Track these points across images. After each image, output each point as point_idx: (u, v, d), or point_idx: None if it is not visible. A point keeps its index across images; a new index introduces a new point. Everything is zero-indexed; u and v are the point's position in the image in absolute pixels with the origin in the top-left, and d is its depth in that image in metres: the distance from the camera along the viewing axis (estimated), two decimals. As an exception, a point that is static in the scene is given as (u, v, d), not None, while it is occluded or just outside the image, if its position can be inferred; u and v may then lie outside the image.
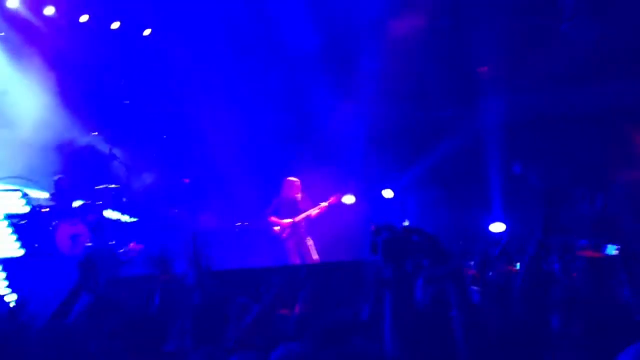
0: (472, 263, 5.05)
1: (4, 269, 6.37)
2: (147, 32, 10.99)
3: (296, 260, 8.59)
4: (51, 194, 8.90)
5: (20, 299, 5.88)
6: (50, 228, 8.26)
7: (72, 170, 9.69)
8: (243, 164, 10.41)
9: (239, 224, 9.96)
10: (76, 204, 8.92)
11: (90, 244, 6.84)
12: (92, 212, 8.53)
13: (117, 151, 10.04)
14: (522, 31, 9.06)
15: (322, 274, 7.36)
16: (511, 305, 3.01)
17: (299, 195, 8.93)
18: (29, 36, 10.33)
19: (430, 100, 10.13)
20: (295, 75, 10.36)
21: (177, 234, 9.19)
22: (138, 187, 10.10)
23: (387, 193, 10.11)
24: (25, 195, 6.67)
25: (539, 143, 9.23)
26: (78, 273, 3.97)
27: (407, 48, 9.68)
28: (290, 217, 8.80)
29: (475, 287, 3.94)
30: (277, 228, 8.83)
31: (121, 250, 7.50)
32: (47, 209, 8.36)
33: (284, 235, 8.78)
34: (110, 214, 9.22)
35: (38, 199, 8.41)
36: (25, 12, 10.42)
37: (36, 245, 7.44)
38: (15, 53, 10.15)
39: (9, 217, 6.50)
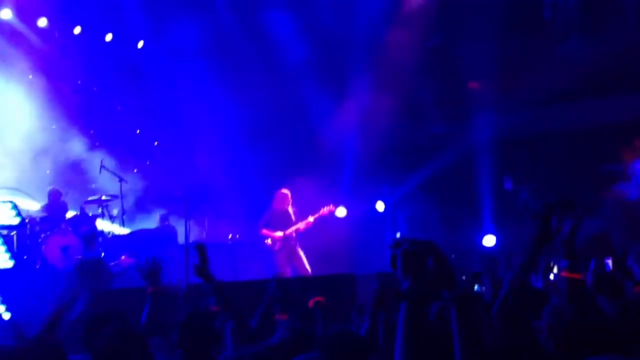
0: (483, 288, 5.04)
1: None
2: (140, 44, 11.07)
3: (288, 273, 8.57)
4: (43, 205, 8.87)
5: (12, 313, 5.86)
6: (40, 240, 8.23)
7: (65, 181, 9.67)
8: (234, 176, 10.43)
9: (231, 236, 9.94)
10: (69, 215, 8.90)
11: (80, 256, 6.80)
12: (84, 223, 8.50)
13: (108, 162, 10.04)
14: (514, 48, 9.18)
15: (314, 287, 7.35)
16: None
17: (290, 208, 8.94)
18: (19, 46, 10.35)
19: (423, 116, 10.21)
20: (288, 90, 10.42)
21: (169, 246, 9.17)
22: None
23: (379, 206, 10.15)
24: (15, 206, 6.63)
25: (531, 159, 9.31)
26: (69, 284, 3.95)
27: (399, 64, 9.78)
28: (281, 230, 8.80)
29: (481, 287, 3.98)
30: (268, 241, 8.82)
31: (112, 263, 7.47)
32: (38, 220, 8.34)
33: (276, 247, 8.78)
34: (102, 225, 9.19)
35: (29, 210, 8.38)
36: (17, 24, 10.46)
37: (25, 257, 7.40)
38: (3, 61, 10.14)
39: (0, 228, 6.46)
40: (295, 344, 3.56)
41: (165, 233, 9.72)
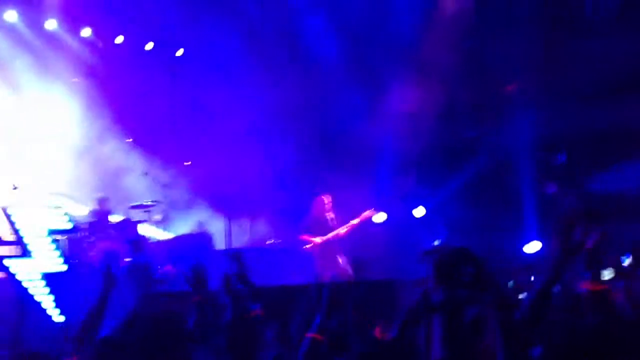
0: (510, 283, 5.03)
1: (47, 284, 6.56)
2: (179, 52, 11.30)
3: (327, 278, 8.61)
4: (91, 211, 9.14)
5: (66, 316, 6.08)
6: (87, 244, 8.49)
7: (109, 186, 9.93)
8: (272, 180, 10.54)
9: (270, 241, 10.05)
10: (113, 219, 9.14)
11: (129, 261, 7.01)
12: (129, 228, 8.72)
13: (150, 167, 10.28)
14: (553, 47, 9.04)
15: (355, 293, 7.40)
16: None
17: (330, 213, 8.98)
18: (64, 55, 10.66)
19: (461, 118, 10.14)
20: (325, 94, 10.49)
21: (206, 252, 9.33)
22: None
23: (419, 211, 10.10)
24: (67, 212, 6.88)
25: (573, 161, 9.15)
26: (118, 287, 4.07)
27: (437, 66, 9.75)
28: (321, 235, 8.86)
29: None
30: (308, 246, 8.90)
31: (157, 272, 7.65)
32: (86, 225, 8.60)
33: (315, 253, 8.84)
34: (145, 230, 9.41)
35: (77, 215, 8.62)
36: (62, 34, 10.79)
37: (76, 261, 7.64)
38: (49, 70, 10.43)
39: (52, 233, 6.70)
40: (328, 345, 3.62)
41: (203, 238, 9.89)
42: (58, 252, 6.62)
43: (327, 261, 8.73)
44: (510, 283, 4.85)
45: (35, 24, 10.50)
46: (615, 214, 6.69)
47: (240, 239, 10.25)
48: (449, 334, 2.06)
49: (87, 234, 8.50)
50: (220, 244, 9.81)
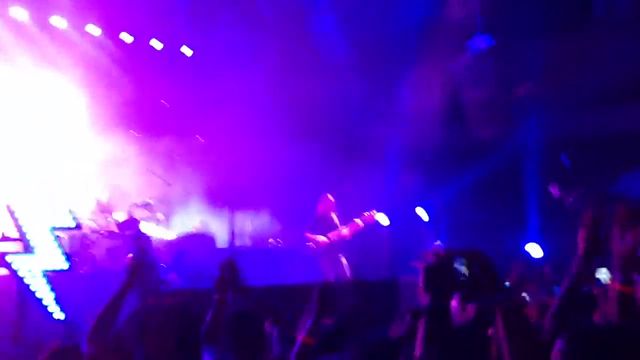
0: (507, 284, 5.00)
1: (49, 282, 6.56)
2: (189, 52, 11.31)
3: (331, 278, 8.60)
4: (94, 208, 9.15)
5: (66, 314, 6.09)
6: (89, 242, 8.49)
7: (112, 184, 9.92)
8: (276, 179, 10.52)
9: (272, 240, 10.03)
10: (116, 217, 9.14)
11: (133, 258, 6.99)
12: (132, 226, 8.72)
13: (154, 165, 10.27)
14: (564, 49, 8.98)
15: (356, 292, 7.37)
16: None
17: (334, 214, 8.97)
18: (72, 53, 10.67)
19: (468, 120, 10.10)
20: (333, 93, 10.46)
21: (209, 251, 9.32)
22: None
23: (422, 212, 10.08)
24: (70, 209, 6.89)
25: (578, 164, 9.09)
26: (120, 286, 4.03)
27: (446, 67, 9.72)
28: (325, 234, 8.84)
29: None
30: (312, 244, 8.88)
31: (161, 268, 7.64)
32: (90, 223, 8.61)
33: (319, 252, 8.82)
34: (148, 228, 9.40)
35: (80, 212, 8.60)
36: (71, 32, 10.79)
37: (77, 259, 7.64)
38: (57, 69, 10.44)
39: (55, 230, 6.70)
40: (327, 342, 3.58)
41: (205, 238, 9.88)
42: (60, 250, 6.62)
43: (330, 261, 8.72)
44: (507, 284, 4.82)
45: (42, 20, 10.51)
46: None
47: (243, 239, 10.24)
48: (432, 339, 2.02)
49: (89, 231, 8.50)
50: (222, 243, 9.79)
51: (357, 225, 8.88)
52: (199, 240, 9.74)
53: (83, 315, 5.77)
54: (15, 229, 6.78)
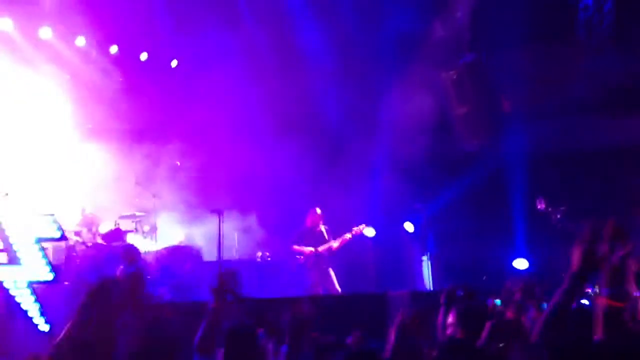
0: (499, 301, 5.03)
1: (33, 293, 6.48)
2: (174, 63, 11.31)
3: (319, 291, 8.60)
4: (81, 220, 9.07)
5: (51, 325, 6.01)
6: (75, 253, 8.41)
7: (99, 196, 9.84)
8: (263, 192, 10.52)
9: (260, 254, 10.01)
10: (102, 229, 9.07)
11: (121, 271, 6.94)
12: (118, 238, 8.66)
13: (141, 177, 10.21)
14: (547, 65, 9.15)
15: (343, 306, 7.37)
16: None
17: (322, 226, 8.99)
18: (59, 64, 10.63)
19: (455, 132, 10.20)
20: (319, 108, 10.52)
21: (195, 263, 9.26)
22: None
23: (409, 226, 10.13)
24: (55, 219, 6.82)
25: (564, 178, 9.22)
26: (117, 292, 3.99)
27: (432, 80, 9.82)
28: (313, 247, 8.85)
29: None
30: (300, 257, 8.87)
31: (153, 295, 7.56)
32: (73, 234, 8.53)
33: (308, 265, 8.82)
34: (134, 240, 9.33)
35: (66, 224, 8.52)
36: (57, 43, 10.75)
37: (61, 269, 7.56)
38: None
39: (39, 241, 6.62)
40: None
41: (191, 250, 9.82)
42: (45, 261, 6.54)
43: (318, 274, 8.73)
44: (498, 301, 4.85)
45: (29, 32, 10.46)
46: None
47: (231, 252, 10.20)
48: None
49: (75, 243, 8.42)
50: (209, 256, 9.74)
51: (346, 238, 8.91)
52: (185, 253, 9.67)
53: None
54: (1, 240, 6.70)
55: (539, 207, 8.42)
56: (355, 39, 10.26)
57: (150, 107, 11.14)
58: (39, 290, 6.63)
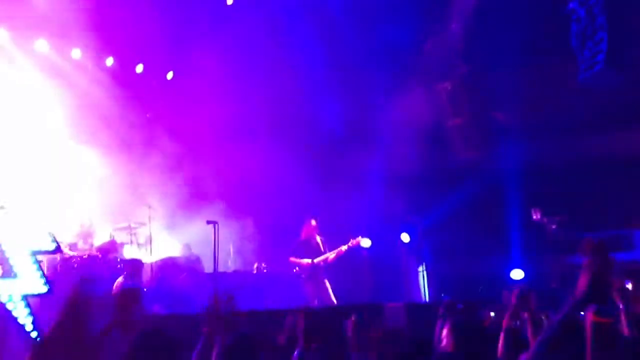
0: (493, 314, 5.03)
1: (27, 305, 6.42)
2: (169, 75, 11.34)
3: (315, 302, 8.57)
4: (76, 232, 9.03)
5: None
6: (69, 265, 8.35)
7: (95, 207, 9.82)
8: (260, 204, 10.51)
9: (256, 266, 9.98)
10: (98, 242, 9.03)
11: (122, 285, 6.93)
12: (112, 250, 8.62)
13: (137, 188, 10.20)
14: (541, 77, 9.21)
15: (339, 317, 7.34)
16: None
17: (318, 238, 8.99)
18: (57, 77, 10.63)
19: (450, 144, 10.24)
20: (314, 119, 10.55)
21: (194, 275, 9.23)
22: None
23: (405, 237, 10.14)
24: (50, 232, 6.78)
25: (559, 189, 9.25)
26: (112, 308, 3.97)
27: (425, 93, 9.87)
28: (309, 258, 8.84)
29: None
30: (297, 269, 8.86)
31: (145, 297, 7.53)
32: (68, 247, 8.49)
33: (304, 276, 8.80)
34: (130, 252, 9.30)
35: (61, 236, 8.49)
36: (54, 57, 10.76)
37: (56, 282, 7.50)
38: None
39: (35, 253, 6.58)
40: None
41: (190, 261, 9.78)
42: (40, 273, 6.49)
43: (314, 285, 8.71)
44: (492, 314, 4.85)
45: (24, 44, 10.49)
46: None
47: (227, 264, 10.17)
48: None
49: (69, 255, 8.38)
50: (206, 267, 9.71)
51: (341, 251, 8.90)
52: (180, 264, 9.64)
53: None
54: (-4, 252, 6.65)
55: (534, 217, 8.45)
56: (351, 50, 10.31)
57: (145, 118, 11.16)
58: (33, 303, 6.59)
